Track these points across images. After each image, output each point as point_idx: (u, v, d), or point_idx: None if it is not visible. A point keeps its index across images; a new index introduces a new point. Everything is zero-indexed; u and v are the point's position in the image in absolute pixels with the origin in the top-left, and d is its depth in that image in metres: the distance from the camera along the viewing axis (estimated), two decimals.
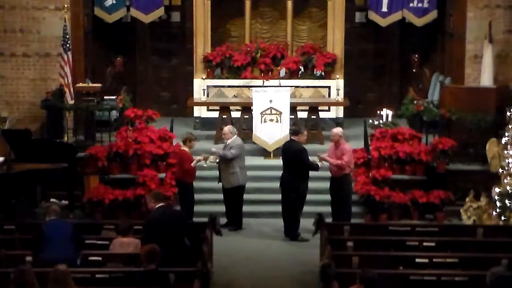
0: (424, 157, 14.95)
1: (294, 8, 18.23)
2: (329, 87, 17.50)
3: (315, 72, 17.68)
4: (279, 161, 14.97)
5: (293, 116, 16.53)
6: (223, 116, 16.81)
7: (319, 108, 17.04)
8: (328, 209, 13.72)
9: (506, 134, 13.99)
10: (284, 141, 15.64)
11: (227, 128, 14.27)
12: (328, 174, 13.88)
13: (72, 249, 10.16)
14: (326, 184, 13.96)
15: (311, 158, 13.73)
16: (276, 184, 14.58)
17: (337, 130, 13.91)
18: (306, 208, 13.83)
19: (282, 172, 13.91)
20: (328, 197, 13.90)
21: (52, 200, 15.16)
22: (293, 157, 13.62)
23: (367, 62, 19.47)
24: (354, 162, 14.83)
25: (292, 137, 14.00)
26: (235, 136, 14.17)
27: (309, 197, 13.93)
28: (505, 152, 13.83)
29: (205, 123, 17.55)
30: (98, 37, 18.44)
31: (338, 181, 13.62)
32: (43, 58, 16.87)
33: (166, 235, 10.20)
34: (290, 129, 14.58)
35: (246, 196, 14.31)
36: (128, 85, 18.82)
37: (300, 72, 17.76)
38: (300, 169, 13.61)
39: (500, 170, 13.85)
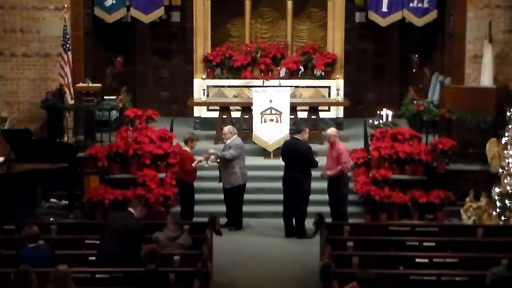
0: (424, 157, 14.95)
1: (294, 8, 18.22)
2: (329, 87, 17.50)
3: (315, 72, 17.68)
4: (279, 161, 14.97)
5: (293, 116, 16.53)
6: (223, 116, 16.81)
7: (319, 108, 17.05)
8: (327, 209, 13.73)
9: (506, 134, 13.99)
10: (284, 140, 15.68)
11: (227, 128, 14.28)
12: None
13: None
14: (326, 184, 13.99)
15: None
16: (277, 184, 14.59)
17: (331, 130, 13.94)
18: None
19: (284, 171, 13.89)
20: (327, 197, 13.92)
21: (52, 200, 15.19)
22: (300, 155, 13.66)
23: (367, 62, 19.46)
24: (354, 162, 14.88)
25: (295, 136, 14.00)
26: (235, 136, 14.18)
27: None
28: (505, 152, 13.83)
29: (205, 123, 17.54)
30: (98, 37, 18.43)
31: (335, 181, 13.65)
32: (43, 58, 16.86)
33: (109, 238, 10.29)
34: (291, 128, 14.57)
35: (246, 196, 14.31)
36: (128, 85, 18.82)
37: (300, 72, 17.76)
38: (305, 166, 13.65)
39: (500, 170, 13.85)
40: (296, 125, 14.74)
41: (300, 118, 16.79)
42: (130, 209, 10.59)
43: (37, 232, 10.03)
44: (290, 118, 16.18)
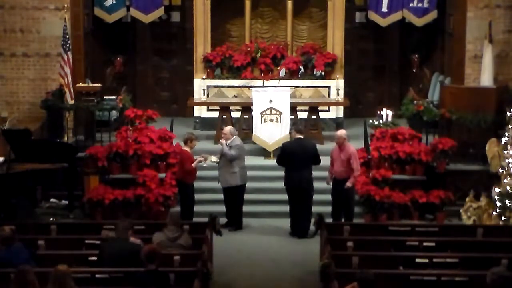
0: (424, 157, 14.95)
1: (294, 8, 18.23)
2: (329, 87, 17.51)
3: (315, 72, 17.69)
4: None
5: (293, 116, 16.53)
6: (223, 116, 16.82)
7: (319, 108, 17.05)
8: (328, 209, 13.72)
9: (506, 134, 13.99)
10: (285, 140, 15.69)
11: (228, 129, 14.25)
12: (327, 174, 13.92)
13: None
14: (324, 184, 13.99)
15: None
16: (277, 184, 14.61)
17: (341, 132, 13.90)
18: None
19: (291, 171, 13.75)
20: (328, 197, 13.90)
21: (52, 200, 15.19)
22: (311, 154, 13.72)
23: (367, 62, 19.46)
24: None
25: (298, 136, 13.98)
26: (235, 137, 14.17)
27: None
28: (505, 152, 13.83)
29: (205, 123, 17.54)
30: (98, 37, 18.44)
31: (343, 183, 13.56)
32: (43, 58, 16.86)
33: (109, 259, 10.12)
34: (294, 128, 14.50)
35: (246, 196, 14.30)
36: (128, 85, 18.82)
37: (300, 72, 17.76)
38: (313, 165, 13.77)
39: (500, 170, 13.86)
40: (295, 125, 14.70)
41: (300, 118, 16.79)
42: (122, 238, 10.29)
43: (9, 234, 9.97)
44: (290, 118, 16.18)
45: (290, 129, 15.93)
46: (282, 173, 14.67)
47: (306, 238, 13.68)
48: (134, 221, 12.04)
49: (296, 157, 13.76)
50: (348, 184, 13.47)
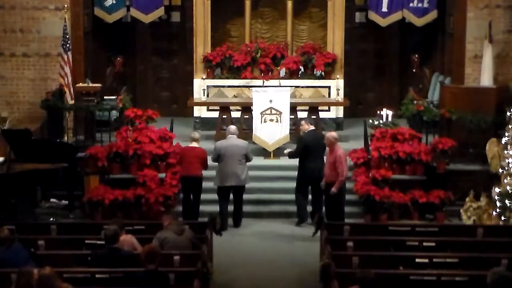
0: (424, 157, 14.95)
1: (294, 8, 18.23)
2: (329, 87, 17.52)
3: (315, 72, 17.69)
4: (279, 161, 15.01)
5: (293, 116, 16.53)
6: (223, 116, 16.82)
7: (319, 108, 17.05)
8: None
9: (506, 134, 13.99)
10: (285, 141, 15.74)
11: (228, 129, 14.34)
12: None
13: None
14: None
15: None
16: (277, 184, 14.63)
17: (330, 134, 13.58)
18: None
19: (310, 162, 13.86)
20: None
21: (52, 200, 15.20)
22: (324, 145, 13.76)
23: (367, 62, 19.48)
24: (354, 162, 14.86)
25: (312, 127, 14.21)
26: (228, 137, 14.12)
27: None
28: (505, 152, 13.83)
29: (205, 123, 17.55)
30: (98, 37, 18.43)
31: (330, 187, 13.45)
32: (43, 58, 16.86)
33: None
34: (305, 121, 14.51)
35: (246, 196, 14.31)
36: (128, 85, 18.83)
37: (300, 72, 17.77)
38: None
39: (500, 170, 13.85)
40: (305, 119, 14.78)
41: (300, 118, 16.78)
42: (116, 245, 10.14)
43: (7, 235, 9.92)
44: (290, 118, 16.18)
45: (292, 128, 15.95)
46: (282, 173, 14.75)
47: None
48: (133, 222, 12.08)
49: (313, 148, 13.90)
50: (333, 189, 13.21)
